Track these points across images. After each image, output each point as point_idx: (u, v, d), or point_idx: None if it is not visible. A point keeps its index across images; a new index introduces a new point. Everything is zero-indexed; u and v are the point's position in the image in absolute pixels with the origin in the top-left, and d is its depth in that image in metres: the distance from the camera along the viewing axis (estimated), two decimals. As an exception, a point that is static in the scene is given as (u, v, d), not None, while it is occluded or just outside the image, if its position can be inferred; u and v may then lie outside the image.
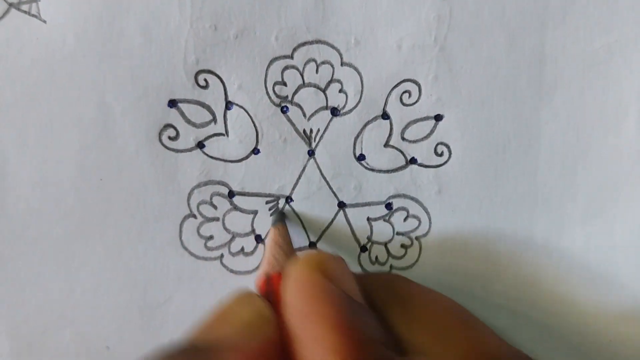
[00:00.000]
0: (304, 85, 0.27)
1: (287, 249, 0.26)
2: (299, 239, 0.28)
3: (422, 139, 0.28)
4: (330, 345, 0.20)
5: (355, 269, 0.29)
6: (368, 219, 0.28)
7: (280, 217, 0.28)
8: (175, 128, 0.27)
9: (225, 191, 0.28)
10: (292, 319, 0.21)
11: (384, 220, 0.28)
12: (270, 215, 0.28)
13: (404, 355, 0.22)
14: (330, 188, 0.28)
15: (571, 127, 0.27)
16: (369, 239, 0.29)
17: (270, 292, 0.24)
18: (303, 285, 0.21)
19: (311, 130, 0.27)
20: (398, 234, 0.29)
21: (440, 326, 0.23)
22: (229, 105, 0.27)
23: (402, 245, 0.29)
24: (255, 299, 0.23)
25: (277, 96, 0.27)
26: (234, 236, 0.28)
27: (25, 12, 0.26)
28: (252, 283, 0.28)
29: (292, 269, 0.22)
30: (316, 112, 0.27)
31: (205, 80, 0.27)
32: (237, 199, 0.28)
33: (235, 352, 0.21)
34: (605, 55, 0.26)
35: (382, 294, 0.24)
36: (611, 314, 0.28)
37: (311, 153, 0.28)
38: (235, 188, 0.28)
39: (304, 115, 0.27)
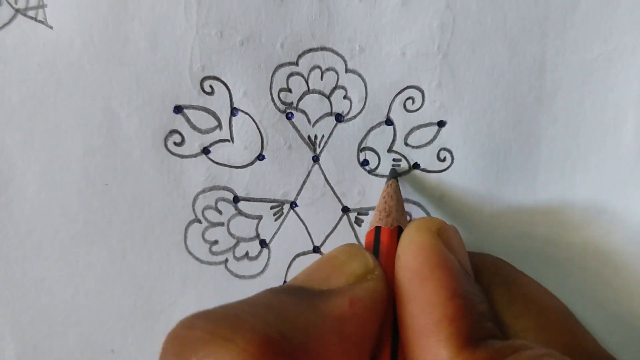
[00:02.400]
0: (308, 91, 0.27)
1: (399, 208, 0.26)
2: (303, 243, 0.29)
3: (425, 145, 0.28)
4: (444, 311, 0.20)
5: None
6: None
7: (394, 175, 0.28)
8: (180, 134, 0.27)
9: (230, 196, 0.28)
10: (408, 279, 0.21)
11: (387, 224, 0.29)
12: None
13: (505, 338, 0.22)
14: (335, 193, 0.28)
15: (570, 133, 0.28)
16: (372, 243, 0.29)
17: (377, 245, 0.24)
18: (422, 248, 0.22)
19: (316, 136, 0.28)
20: (400, 238, 0.29)
21: (543, 316, 0.23)
22: (234, 111, 0.27)
23: (405, 250, 0.29)
24: (364, 252, 0.23)
25: (282, 102, 0.27)
26: (238, 241, 0.29)
27: (31, 17, 0.26)
28: (257, 288, 0.28)
29: (411, 231, 0.22)
30: (321, 118, 0.28)
31: (211, 86, 0.27)
32: (242, 204, 0.28)
33: (345, 299, 0.21)
34: (604, 63, 0.27)
35: (488, 275, 0.24)
36: (610, 318, 0.29)
37: (316, 159, 0.28)
38: (240, 193, 0.28)
39: (309, 121, 0.28)
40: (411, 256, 0.22)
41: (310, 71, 0.27)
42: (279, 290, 0.21)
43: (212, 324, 0.18)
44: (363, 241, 0.28)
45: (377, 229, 0.24)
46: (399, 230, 0.24)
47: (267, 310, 0.19)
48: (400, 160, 0.28)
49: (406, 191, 0.28)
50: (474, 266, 0.24)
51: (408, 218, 0.28)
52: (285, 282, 0.29)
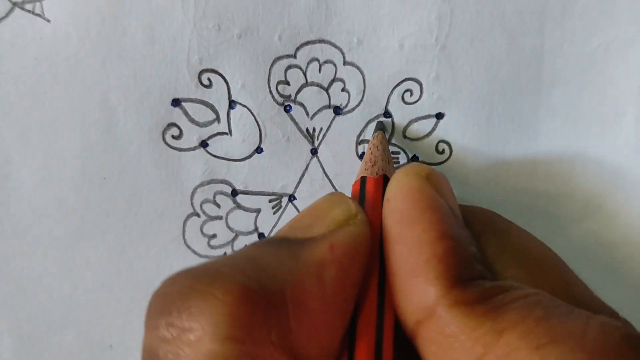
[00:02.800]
0: (307, 84, 0.27)
1: (385, 157, 0.26)
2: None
3: (424, 137, 0.28)
4: (434, 251, 0.20)
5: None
6: (370, 216, 0.29)
7: (380, 127, 0.28)
8: (178, 127, 0.27)
9: (229, 190, 0.28)
10: (396, 221, 0.21)
11: (386, 218, 0.29)
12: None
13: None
14: (333, 186, 0.28)
15: (569, 125, 0.28)
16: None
17: (363, 194, 0.24)
18: (411, 191, 0.22)
19: (314, 129, 0.28)
20: (399, 231, 0.29)
21: (535, 265, 0.23)
22: (232, 104, 0.27)
23: (404, 243, 0.29)
24: (346, 199, 0.23)
25: (281, 95, 0.27)
26: (237, 234, 0.29)
27: (29, 11, 0.26)
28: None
29: (400, 175, 0.22)
30: (319, 111, 0.28)
31: (209, 79, 0.27)
32: (240, 198, 0.28)
33: (325, 244, 0.21)
34: (603, 55, 0.27)
35: (480, 224, 0.24)
36: (609, 309, 0.29)
37: (314, 152, 0.28)
38: (238, 187, 0.28)
39: (307, 114, 0.28)
40: (400, 199, 0.22)
41: (308, 64, 0.27)
42: (261, 242, 0.21)
43: (191, 278, 0.19)
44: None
45: (363, 179, 0.24)
46: (385, 179, 0.24)
47: (246, 262, 0.20)
48: (398, 152, 0.28)
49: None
50: (465, 216, 0.24)
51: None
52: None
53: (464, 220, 0.24)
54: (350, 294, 0.21)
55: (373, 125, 0.28)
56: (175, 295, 0.18)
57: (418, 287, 0.20)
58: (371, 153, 0.26)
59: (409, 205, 0.21)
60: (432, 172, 0.23)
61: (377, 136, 0.27)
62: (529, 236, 0.25)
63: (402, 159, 0.28)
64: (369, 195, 0.24)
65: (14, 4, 0.26)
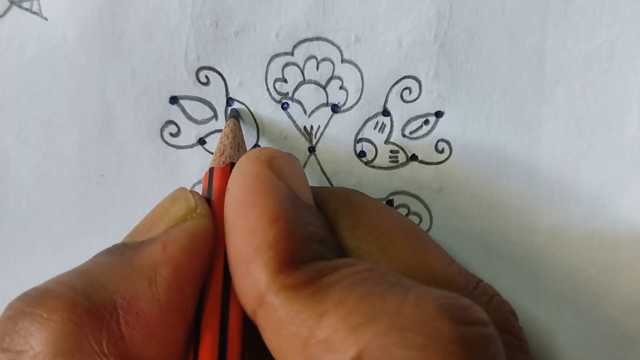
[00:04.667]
0: (304, 82, 0.27)
1: (234, 145, 0.25)
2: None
3: (423, 136, 0.27)
4: (264, 237, 0.20)
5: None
6: (369, 216, 0.28)
7: (234, 114, 0.27)
8: (176, 124, 0.27)
9: (226, 188, 0.28)
10: (231, 209, 0.21)
11: (385, 217, 0.28)
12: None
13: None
14: (331, 184, 0.28)
15: (573, 124, 0.27)
16: (370, 236, 0.29)
17: (211, 186, 0.23)
18: (247, 177, 0.21)
19: (312, 127, 0.27)
20: (399, 231, 0.28)
21: (387, 238, 0.23)
22: (230, 101, 0.27)
23: (403, 242, 0.29)
24: (187, 194, 0.23)
25: (278, 93, 0.27)
26: (234, 233, 0.29)
27: (26, 9, 0.26)
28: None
29: (241, 162, 0.22)
30: (317, 108, 0.27)
31: (206, 77, 0.27)
32: (237, 196, 0.28)
33: (158, 245, 0.21)
34: (607, 52, 0.26)
35: (336, 203, 0.24)
36: (615, 311, 0.28)
37: (312, 150, 0.28)
38: (235, 185, 0.28)
39: (305, 112, 0.27)
40: (237, 186, 0.21)
41: (305, 61, 0.27)
42: (102, 252, 0.21)
43: (22, 301, 0.19)
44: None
45: (211, 170, 0.24)
46: (233, 168, 0.23)
47: (77, 276, 0.20)
48: (397, 151, 0.28)
49: (404, 183, 0.28)
50: (324, 195, 0.24)
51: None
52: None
53: (322, 200, 0.24)
54: (189, 291, 0.20)
55: (372, 123, 0.27)
56: (7, 320, 0.19)
57: (249, 275, 0.20)
58: (221, 142, 0.25)
59: (245, 192, 0.21)
60: (276, 155, 0.22)
61: (228, 124, 0.26)
62: (387, 211, 0.25)
63: (401, 158, 0.28)
64: (216, 186, 0.23)
65: (12, 2, 0.26)
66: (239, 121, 0.27)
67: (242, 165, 0.22)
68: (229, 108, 0.27)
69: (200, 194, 0.23)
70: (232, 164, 0.24)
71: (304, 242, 0.20)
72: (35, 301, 0.19)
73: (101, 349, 0.19)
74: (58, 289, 0.19)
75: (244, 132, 0.27)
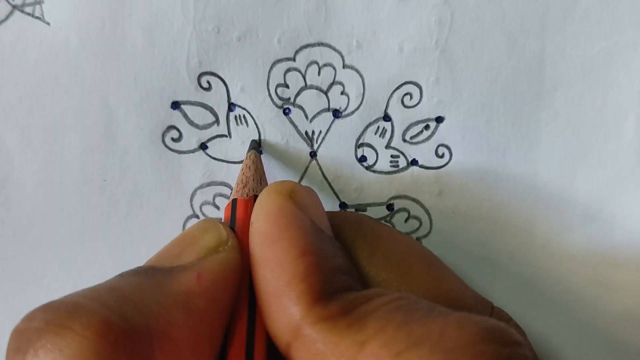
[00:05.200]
0: (306, 87, 0.27)
1: (257, 177, 0.25)
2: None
3: (424, 141, 0.28)
4: (295, 271, 0.20)
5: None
6: (369, 219, 0.29)
7: (254, 146, 0.27)
8: (178, 129, 0.27)
9: (228, 192, 0.28)
10: (258, 243, 0.21)
11: (385, 221, 0.29)
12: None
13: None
14: (332, 189, 0.28)
15: (571, 130, 0.27)
16: (370, 239, 0.29)
17: (234, 217, 0.24)
18: (272, 211, 0.21)
19: (313, 132, 0.28)
20: (399, 234, 0.29)
21: (405, 264, 0.23)
22: (231, 107, 0.27)
23: (403, 246, 0.29)
24: (217, 225, 0.23)
25: (280, 98, 0.27)
26: (236, 237, 0.29)
27: (29, 14, 0.26)
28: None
29: (263, 196, 0.22)
30: (318, 114, 0.27)
31: (208, 82, 0.27)
32: (239, 200, 0.28)
33: (192, 274, 0.20)
34: (605, 59, 0.27)
35: (350, 232, 0.24)
36: (611, 315, 0.29)
37: (313, 154, 0.28)
38: (237, 189, 0.28)
39: (306, 117, 0.28)
40: (261, 221, 0.21)
41: (307, 67, 0.27)
42: (128, 273, 0.21)
43: (49, 313, 0.18)
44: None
45: (234, 202, 0.24)
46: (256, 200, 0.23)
47: (109, 294, 0.19)
48: (398, 156, 0.28)
49: (404, 187, 0.28)
50: (337, 224, 0.24)
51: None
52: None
53: (337, 228, 0.24)
54: (219, 323, 0.21)
55: (373, 128, 0.28)
56: (31, 332, 0.18)
57: (283, 308, 0.20)
58: (243, 174, 0.26)
59: (270, 226, 0.21)
60: (295, 188, 0.22)
61: (249, 156, 0.26)
62: (398, 236, 0.25)
63: (402, 162, 0.28)
64: (239, 218, 0.23)
65: (14, 6, 0.26)
66: (260, 152, 0.27)
67: (265, 200, 0.22)
68: (250, 140, 0.27)
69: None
70: (255, 197, 0.24)
71: (332, 273, 0.20)
72: (65, 314, 0.18)
73: None
74: (90, 304, 0.18)
75: (248, 136, 0.27)
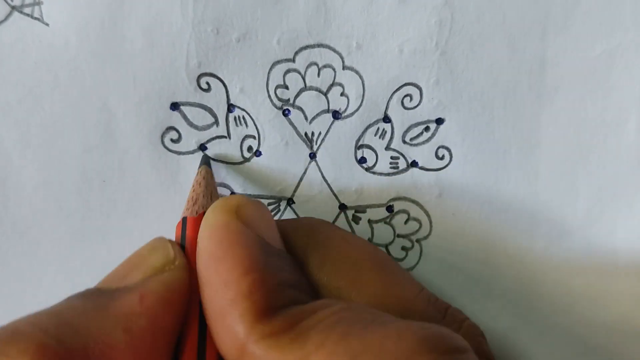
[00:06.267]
0: (305, 88, 0.27)
1: (207, 193, 0.25)
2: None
3: (423, 143, 0.28)
4: (238, 289, 0.20)
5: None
6: (369, 221, 0.29)
7: (205, 160, 0.27)
8: (177, 130, 0.27)
9: (227, 193, 0.28)
10: (203, 263, 0.21)
11: (385, 222, 0.29)
12: None
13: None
14: (332, 191, 0.28)
15: (572, 132, 0.27)
16: (370, 241, 0.29)
17: (184, 236, 0.23)
18: (217, 229, 0.21)
19: (313, 133, 0.28)
20: (399, 236, 0.29)
21: (355, 271, 0.23)
22: (231, 108, 0.27)
23: (403, 248, 0.29)
24: (166, 244, 0.23)
25: (279, 99, 0.27)
26: (235, 238, 0.29)
27: (28, 15, 0.26)
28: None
29: (208, 213, 0.22)
30: (318, 115, 0.27)
31: (208, 83, 0.27)
32: (238, 201, 0.28)
33: (135, 295, 0.20)
34: (606, 61, 0.26)
35: (302, 239, 0.24)
36: (611, 318, 0.29)
37: (312, 156, 0.28)
38: (236, 190, 0.28)
39: (306, 118, 0.27)
40: (206, 239, 0.21)
41: (307, 68, 0.27)
42: (74, 296, 0.21)
43: None
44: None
45: (184, 220, 0.24)
46: None
47: (48, 318, 0.19)
48: (398, 158, 0.28)
49: (404, 189, 0.28)
50: (288, 233, 0.24)
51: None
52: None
53: (287, 238, 0.24)
54: (164, 343, 0.20)
55: (373, 130, 0.27)
56: None
57: (228, 327, 0.20)
58: (193, 190, 0.25)
59: (214, 244, 0.21)
60: (242, 203, 0.22)
61: (200, 172, 0.26)
62: (354, 242, 0.25)
63: (402, 164, 0.28)
64: (189, 236, 0.23)
65: (13, 7, 0.26)
66: (210, 168, 0.27)
67: (210, 217, 0.22)
68: (201, 153, 0.27)
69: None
70: (205, 214, 0.24)
71: (277, 288, 0.20)
72: (4, 341, 0.18)
73: None
74: (27, 330, 0.19)
75: (247, 137, 0.27)
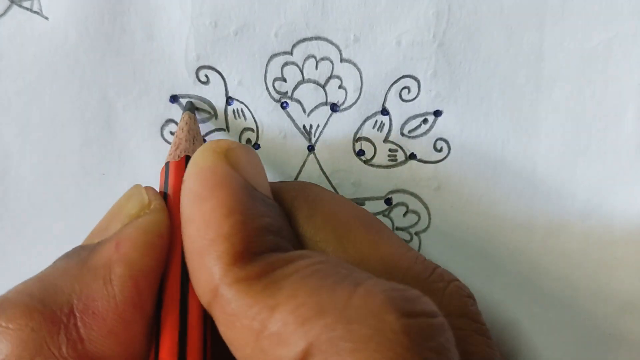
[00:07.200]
0: (303, 81, 0.27)
1: (189, 138, 0.25)
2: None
3: (422, 135, 0.28)
4: (219, 230, 0.20)
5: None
6: (368, 214, 0.29)
7: (189, 107, 0.27)
8: (176, 123, 0.28)
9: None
10: (187, 202, 0.21)
11: (384, 215, 0.29)
12: None
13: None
14: (330, 183, 0.28)
15: (570, 123, 0.27)
16: (369, 233, 0.29)
17: (167, 180, 0.23)
18: (204, 170, 0.21)
19: (311, 126, 0.28)
20: (397, 229, 0.29)
21: (343, 227, 0.23)
22: (229, 100, 0.27)
23: (402, 240, 0.29)
24: (140, 190, 0.23)
25: (277, 92, 0.27)
26: (234, 231, 0.29)
27: (27, 8, 0.26)
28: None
29: (196, 154, 0.22)
30: (316, 107, 0.27)
31: (206, 76, 0.27)
32: (237, 194, 0.28)
33: (112, 243, 0.21)
34: (604, 51, 0.26)
35: (291, 193, 0.24)
36: (611, 308, 0.29)
37: (311, 148, 0.28)
38: (235, 183, 0.28)
39: (304, 111, 0.28)
40: (192, 179, 0.21)
41: (305, 61, 0.27)
42: (59, 258, 0.22)
43: None
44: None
45: (167, 165, 0.24)
46: (188, 161, 0.23)
47: (34, 283, 0.20)
48: (396, 150, 0.28)
49: (402, 181, 0.28)
50: (281, 188, 0.24)
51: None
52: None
53: (278, 192, 0.24)
54: (144, 287, 0.20)
55: (371, 122, 0.28)
56: None
57: (204, 267, 0.19)
58: (176, 136, 0.25)
59: (200, 184, 0.21)
60: (232, 147, 0.22)
61: (183, 117, 0.26)
62: (343, 202, 0.25)
63: (400, 156, 0.28)
64: (171, 179, 0.23)
65: (12, 1, 0.26)
66: (194, 113, 0.27)
67: (198, 158, 0.22)
68: (185, 101, 0.27)
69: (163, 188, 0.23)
70: (188, 157, 0.24)
71: (258, 233, 0.20)
72: None
73: (61, 352, 0.19)
74: (14, 297, 0.20)
75: (245, 130, 0.27)
